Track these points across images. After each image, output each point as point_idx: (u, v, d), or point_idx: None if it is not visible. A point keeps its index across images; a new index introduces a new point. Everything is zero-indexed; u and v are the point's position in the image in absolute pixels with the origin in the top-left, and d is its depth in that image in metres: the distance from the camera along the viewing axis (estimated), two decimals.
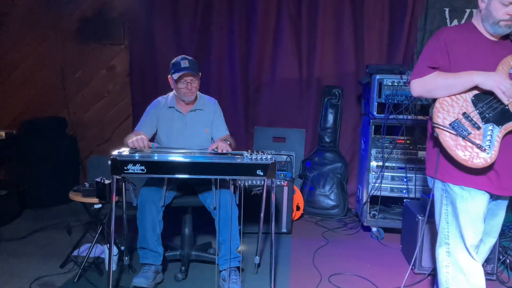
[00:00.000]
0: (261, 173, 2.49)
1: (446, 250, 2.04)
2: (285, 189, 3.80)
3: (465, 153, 1.93)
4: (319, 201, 4.41)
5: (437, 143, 2.04)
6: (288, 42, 4.59)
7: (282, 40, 4.59)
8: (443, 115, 2.00)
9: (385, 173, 3.73)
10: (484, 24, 2.06)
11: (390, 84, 3.64)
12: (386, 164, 3.73)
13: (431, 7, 4.44)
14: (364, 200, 3.78)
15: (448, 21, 4.46)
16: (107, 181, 2.59)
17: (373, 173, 3.75)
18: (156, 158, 2.46)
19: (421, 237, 3.02)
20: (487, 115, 1.97)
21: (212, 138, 3.00)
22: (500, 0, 1.95)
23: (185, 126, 2.95)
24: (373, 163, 3.74)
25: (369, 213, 3.79)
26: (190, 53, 4.70)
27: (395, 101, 3.62)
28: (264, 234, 3.68)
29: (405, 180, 3.74)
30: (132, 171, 2.40)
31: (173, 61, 2.95)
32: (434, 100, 2.07)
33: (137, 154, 2.48)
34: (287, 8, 4.54)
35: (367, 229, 3.91)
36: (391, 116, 3.61)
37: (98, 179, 2.64)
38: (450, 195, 2.03)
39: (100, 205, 2.69)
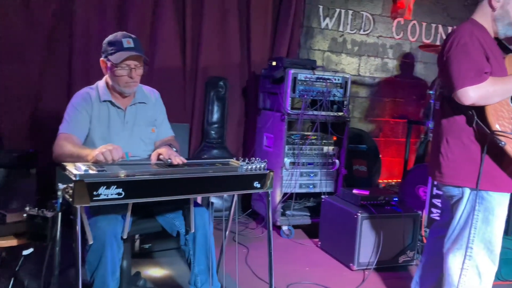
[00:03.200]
0: (259, 185, 2.07)
1: (468, 254, 2.04)
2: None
3: None
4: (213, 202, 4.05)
5: (494, 151, 1.92)
6: (170, 26, 4.00)
7: (163, 22, 3.97)
8: (502, 123, 1.89)
9: (296, 170, 3.65)
10: (497, 24, 1.99)
11: (304, 79, 3.55)
12: (297, 160, 3.65)
13: (308, 3, 4.55)
14: (278, 199, 3.62)
15: (321, 18, 4.64)
16: (48, 214, 1.72)
17: (286, 170, 3.62)
18: (137, 176, 1.76)
19: (359, 233, 3.07)
20: None
21: None
22: None
23: (125, 126, 2.25)
24: (286, 160, 3.61)
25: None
26: (45, 28, 3.70)
27: (310, 97, 3.55)
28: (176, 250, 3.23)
29: (311, 175, 3.74)
30: (105, 197, 1.67)
31: (110, 38, 2.18)
32: (471, 107, 1.92)
33: (104, 171, 1.74)
34: None
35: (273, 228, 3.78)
36: (309, 112, 3.53)
37: (32, 211, 1.73)
38: (487, 201, 1.97)
39: (31, 250, 1.78)
